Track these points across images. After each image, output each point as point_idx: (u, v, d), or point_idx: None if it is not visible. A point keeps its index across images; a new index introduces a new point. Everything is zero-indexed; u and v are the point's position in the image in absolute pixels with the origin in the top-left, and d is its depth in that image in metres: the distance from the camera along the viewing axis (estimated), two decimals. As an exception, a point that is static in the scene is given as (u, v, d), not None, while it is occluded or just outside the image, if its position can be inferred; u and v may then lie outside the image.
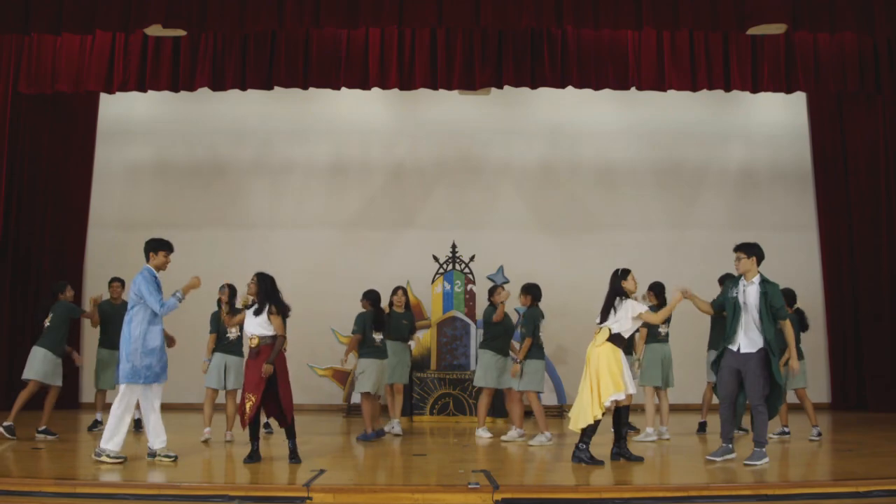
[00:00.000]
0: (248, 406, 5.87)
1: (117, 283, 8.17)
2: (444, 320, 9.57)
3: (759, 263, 6.01)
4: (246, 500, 4.76)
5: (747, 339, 5.86)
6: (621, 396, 5.88)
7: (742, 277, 6.01)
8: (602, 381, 5.85)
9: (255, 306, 6.09)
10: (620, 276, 6.14)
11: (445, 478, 5.32)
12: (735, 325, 5.90)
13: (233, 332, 7.29)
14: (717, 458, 5.93)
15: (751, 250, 5.99)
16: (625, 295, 6.08)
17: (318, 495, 4.77)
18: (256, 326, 6.05)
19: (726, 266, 8.93)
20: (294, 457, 5.95)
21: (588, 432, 5.90)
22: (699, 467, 5.96)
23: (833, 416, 9.40)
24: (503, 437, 7.34)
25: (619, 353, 5.99)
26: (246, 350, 7.49)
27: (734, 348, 5.89)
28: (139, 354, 5.87)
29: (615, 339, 6.00)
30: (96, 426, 7.86)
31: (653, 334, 7.41)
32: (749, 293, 5.91)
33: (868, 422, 8.83)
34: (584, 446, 5.89)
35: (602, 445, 6.26)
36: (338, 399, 9.97)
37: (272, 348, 5.98)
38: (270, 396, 5.99)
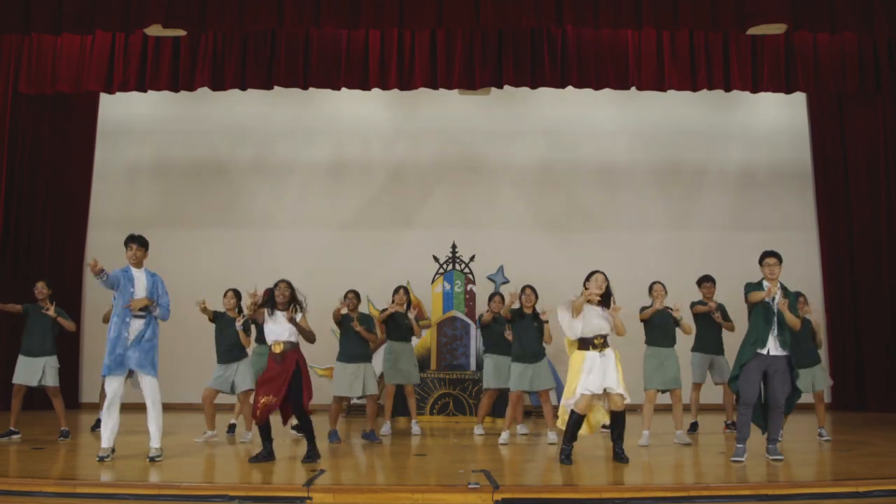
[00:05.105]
0: (261, 402, 5.80)
1: None
2: (444, 320, 9.57)
3: None
4: (246, 500, 4.76)
5: (776, 343, 5.98)
6: (571, 402, 5.97)
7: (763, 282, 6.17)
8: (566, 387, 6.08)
9: (278, 311, 5.99)
10: (586, 278, 6.21)
11: (445, 478, 5.31)
12: (767, 330, 5.99)
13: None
14: (742, 459, 5.93)
15: (780, 257, 6.17)
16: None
17: (318, 495, 4.77)
18: (282, 332, 5.97)
19: (726, 266, 9.01)
20: (312, 455, 5.92)
21: (566, 435, 5.97)
22: (699, 467, 5.96)
23: (833, 416, 9.39)
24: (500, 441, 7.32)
25: (583, 356, 6.03)
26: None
27: (764, 352, 5.97)
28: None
29: (579, 344, 6.09)
30: (99, 426, 7.86)
31: (657, 336, 7.27)
32: (775, 298, 6.05)
33: (868, 422, 8.83)
34: (567, 447, 5.95)
35: (599, 447, 6.23)
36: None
37: (297, 353, 5.96)
38: (289, 399, 5.95)
